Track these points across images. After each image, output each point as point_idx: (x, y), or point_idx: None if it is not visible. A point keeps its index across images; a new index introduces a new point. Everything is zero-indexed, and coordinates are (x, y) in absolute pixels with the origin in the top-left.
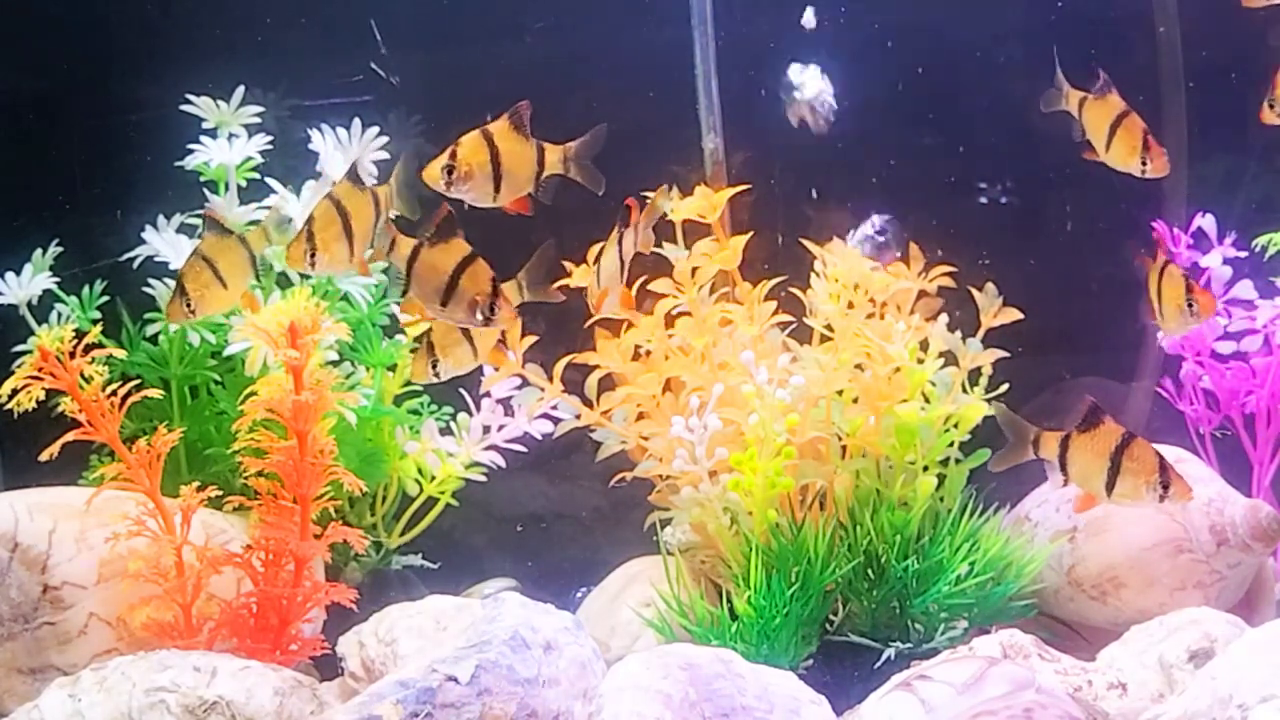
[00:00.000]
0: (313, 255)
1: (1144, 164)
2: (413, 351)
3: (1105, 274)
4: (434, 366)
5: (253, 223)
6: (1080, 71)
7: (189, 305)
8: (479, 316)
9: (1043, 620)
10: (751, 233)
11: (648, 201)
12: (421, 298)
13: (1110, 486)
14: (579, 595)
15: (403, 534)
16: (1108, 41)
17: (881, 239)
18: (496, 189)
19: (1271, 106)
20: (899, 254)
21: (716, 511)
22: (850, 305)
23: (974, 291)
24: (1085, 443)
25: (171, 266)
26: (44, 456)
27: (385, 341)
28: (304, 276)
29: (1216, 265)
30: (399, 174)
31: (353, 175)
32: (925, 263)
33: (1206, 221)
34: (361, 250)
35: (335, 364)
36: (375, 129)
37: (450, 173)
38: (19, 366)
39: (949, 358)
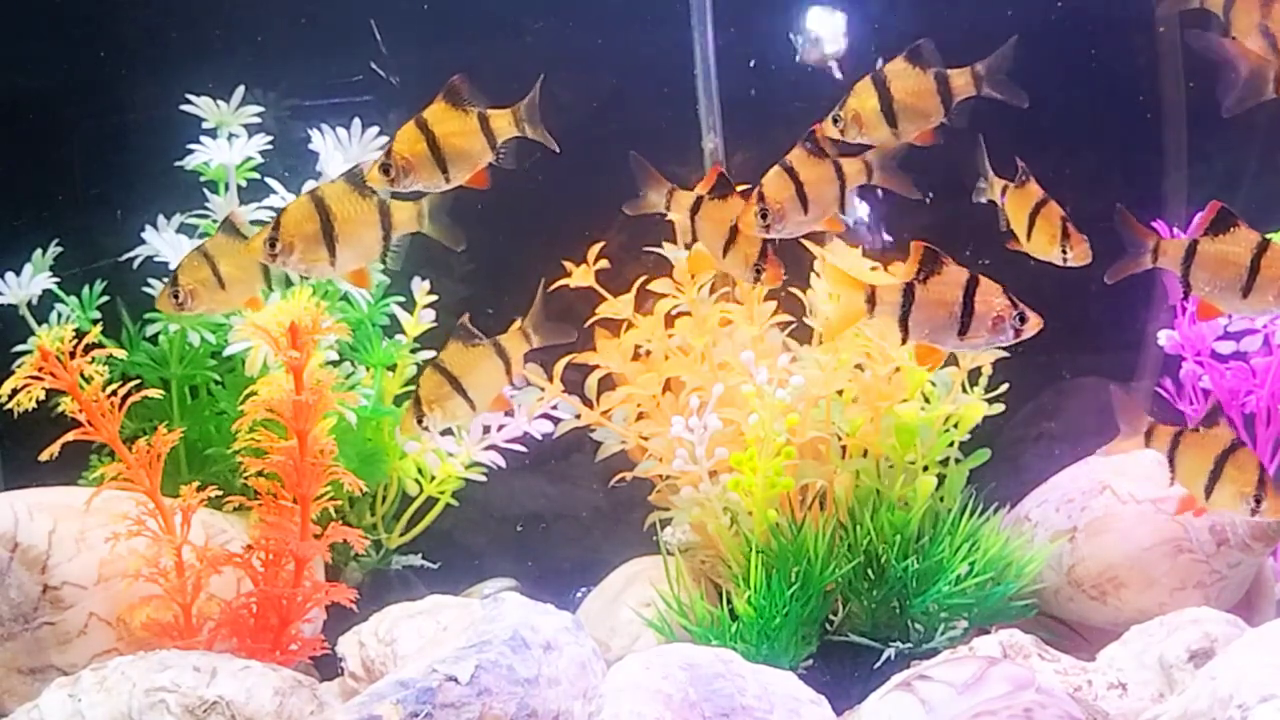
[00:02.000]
0: (273, 246)
1: (1064, 253)
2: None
3: (1105, 274)
4: (420, 421)
5: (255, 223)
6: (1081, 74)
7: (177, 298)
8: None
9: (1043, 620)
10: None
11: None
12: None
13: (1209, 490)
14: (579, 595)
15: (403, 534)
16: (1108, 41)
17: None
18: (446, 172)
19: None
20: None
21: (716, 511)
22: None
23: None
24: (1195, 441)
25: (171, 266)
26: (44, 456)
27: (385, 341)
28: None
29: None
30: (434, 199)
31: (354, 178)
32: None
33: None
34: (360, 259)
35: (335, 364)
36: (375, 129)
37: (388, 171)
38: (19, 366)
39: (949, 358)
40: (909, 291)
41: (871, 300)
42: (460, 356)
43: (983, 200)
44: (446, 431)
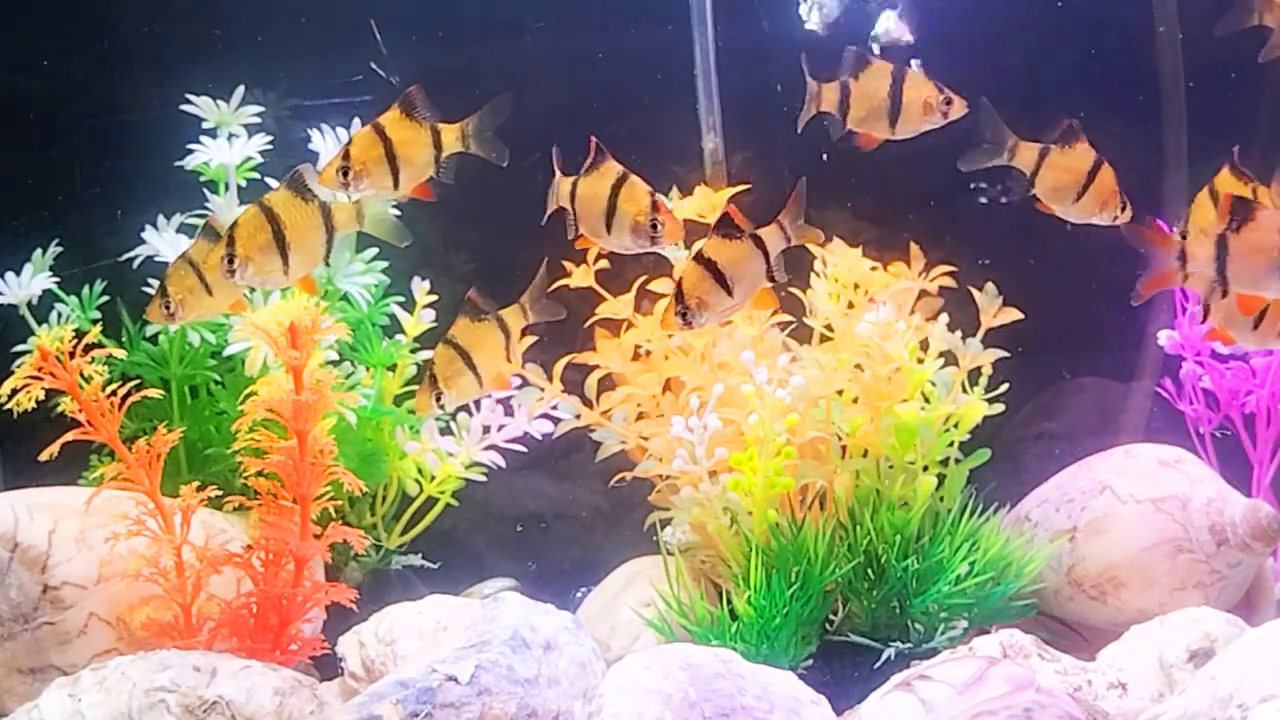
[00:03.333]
0: (231, 262)
1: (1116, 215)
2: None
3: (1105, 274)
4: (438, 400)
5: None
6: (1081, 74)
7: (168, 308)
8: None
9: (1043, 620)
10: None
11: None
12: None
13: None
14: (579, 595)
15: (403, 534)
16: (1108, 41)
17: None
18: (395, 180)
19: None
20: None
21: (716, 511)
22: (850, 305)
23: (974, 291)
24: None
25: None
26: (44, 456)
27: (385, 341)
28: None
29: None
30: (371, 200)
31: (295, 183)
32: (925, 263)
33: None
34: (309, 265)
35: (335, 364)
36: None
37: (346, 174)
38: (19, 366)
39: (949, 358)
40: (1223, 242)
41: (1182, 256)
42: (470, 331)
43: (994, 164)
44: (446, 431)
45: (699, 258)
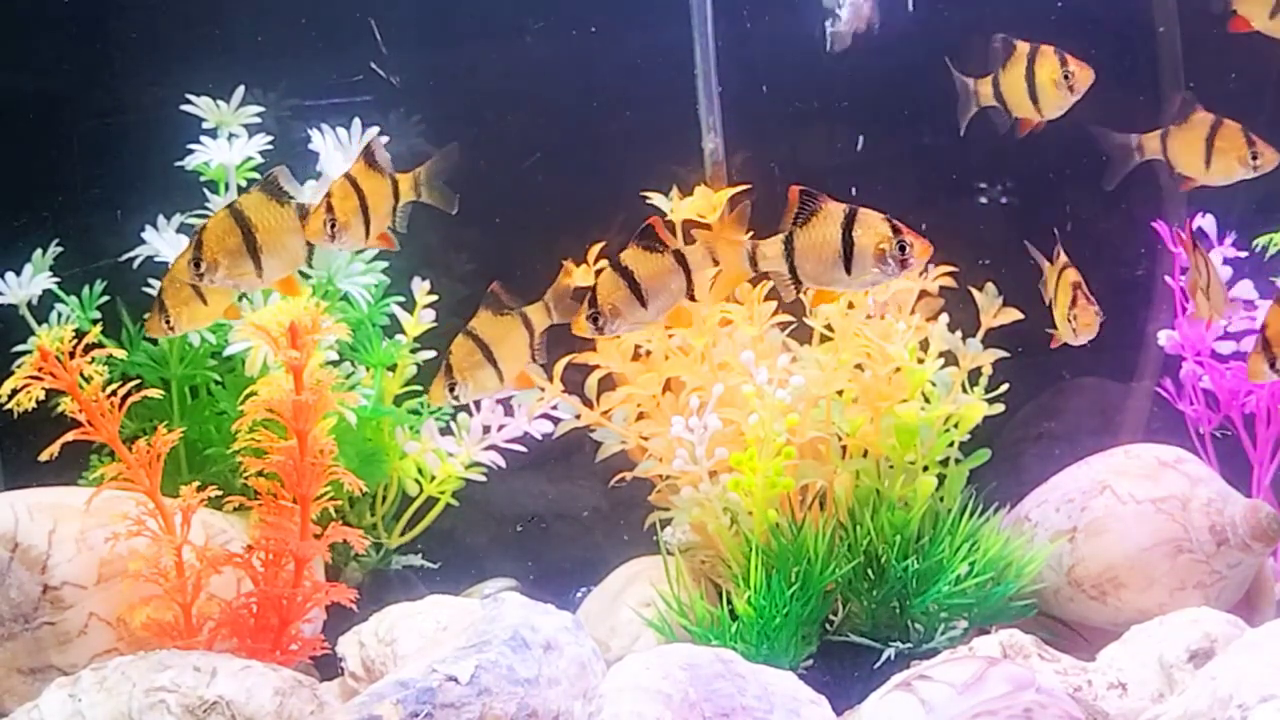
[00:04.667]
0: (198, 266)
1: (1254, 159)
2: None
3: (1105, 274)
4: (452, 390)
5: None
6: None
7: (168, 322)
8: None
9: (1043, 620)
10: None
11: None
12: None
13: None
14: (579, 595)
15: (403, 534)
16: (1108, 41)
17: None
18: (367, 230)
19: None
20: None
21: (716, 511)
22: (850, 305)
23: (974, 291)
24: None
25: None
26: (44, 456)
27: (385, 341)
28: (304, 275)
29: (1217, 265)
30: None
31: (271, 187)
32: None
33: (1206, 222)
34: (286, 267)
35: (335, 364)
36: (375, 129)
37: (333, 226)
38: (19, 366)
39: (949, 358)
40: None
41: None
42: (492, 325)
43: (1133, 165)
44: (446, 431)
45: (616, 265)
